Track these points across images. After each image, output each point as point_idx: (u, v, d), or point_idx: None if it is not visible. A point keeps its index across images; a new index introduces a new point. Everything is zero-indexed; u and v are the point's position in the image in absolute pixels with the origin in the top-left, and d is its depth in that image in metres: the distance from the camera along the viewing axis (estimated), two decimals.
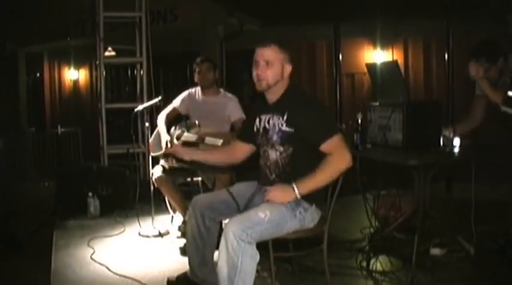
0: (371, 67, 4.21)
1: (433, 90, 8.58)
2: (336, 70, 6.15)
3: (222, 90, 4.50)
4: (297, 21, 8.20)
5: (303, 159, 2.73)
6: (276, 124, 2.76)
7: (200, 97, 4.45)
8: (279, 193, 2.62)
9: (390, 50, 8.93)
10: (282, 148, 2.76)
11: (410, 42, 8.87)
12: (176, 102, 4.51)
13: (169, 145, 4.03)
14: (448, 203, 4.97)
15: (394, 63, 4.19)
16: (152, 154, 4.38)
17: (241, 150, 3.05)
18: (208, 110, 4.33)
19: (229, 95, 4.46)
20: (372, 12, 6.69)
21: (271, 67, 2.75)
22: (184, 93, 4.53)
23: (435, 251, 3.56)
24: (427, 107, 3.61)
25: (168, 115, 4.45)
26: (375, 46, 8.91)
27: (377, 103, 3.76)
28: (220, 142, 3.77)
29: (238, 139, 3.08)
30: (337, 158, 2.61)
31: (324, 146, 2.63)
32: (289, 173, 2.76)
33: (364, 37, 8.84)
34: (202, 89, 4.43)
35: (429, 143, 3.43)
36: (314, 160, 2.68)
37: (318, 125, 2.68)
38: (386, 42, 8.72)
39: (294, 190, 2.59)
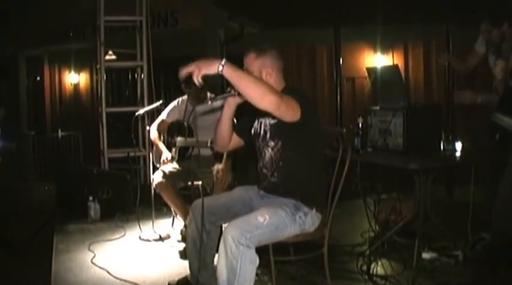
0: (372, 71, 4.22)
1: (434, 94, 8.57)
2: (336, 74, 6.14)
3: (207, 93, 4.33)
4: (297, 25, 8.19)
5: (293, 153, 2.74)
6: (268, 122, 2.80)
7: (193, 107, 4.40)
8: (204, 62, 2.36)
9: (390, 54, 8.92)
10: (272, 143, 2.78)
11: (411, 47, 8.86)
12: (164, 115, 4.54)
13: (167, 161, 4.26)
14: (449, 207, 4.96)
15: (394, 67, 4.19)
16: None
17: (234, 139, 3.00)
18: (205, 120, 4.30)
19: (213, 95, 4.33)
20: (372, 16, 6.70)
21: None
22: (173, 104, 4.52)
23: (426, 255, 3.56)
24: (427, 111, 3.61)
25: (157, 127, 4.52)
26: (375, 50, 8.91)
27: (377, 107, 3.76)
28: (210, 141, 3.89)
29: (233, 130, 3.01)
30: (272, 88, 2.47)
31: None
32: (282, 168, 2.77)
33: (364, 41, 8.84)
34: (198, 99, 4.28)
35: (429, 147, 3.43)
36: (305, 154, 2.72)
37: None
38: (386, 46, 8.72)
39: (219, 62, 2.33)
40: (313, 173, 2.79)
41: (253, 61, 2.76)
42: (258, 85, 2.41)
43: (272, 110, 2.46)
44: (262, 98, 2.40)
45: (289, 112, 2.53)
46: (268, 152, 2.81)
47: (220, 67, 2.33)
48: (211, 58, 2.36)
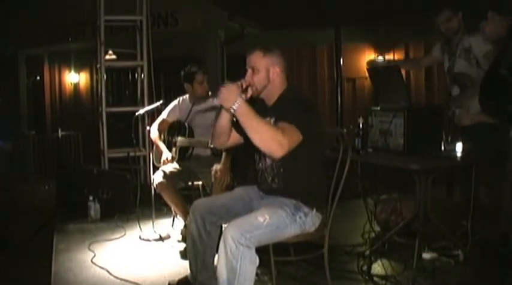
0: (372, 71, 4.21)
1: (434, 95, 8.58)
2: (337, 75, 6.13)
3: (209, 91, 4.29)
4: (298, 26, 8.21)
5: (295, 161, 2.70)
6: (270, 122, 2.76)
7: (194, 106, 4.36)
8: (225, 95, 2.51)
9: (391, 55, 8.94)
10: None
11: (412, 47, 8.87)
12: (165, 114, 4.54)
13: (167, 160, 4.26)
14: (449, 208, 4.96)
15: (395, 68, 4.18)
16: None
17: (233, 137, 2.99)
18: (205, 118, 4.30)
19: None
20: (373, 17, 6.70)
21: (257, 74, 2.75)
22: (174, 103, 4.52)
23: (426, 255, 3.56)
24: (428, 112, 3.61)
25: (158, 127, 4.52)
26: (376, 50, 8.92)
27: (378, 108, 3.76)
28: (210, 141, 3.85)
29: (233, 127, 2.98)
30: (278, 135, 2.47)
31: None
32: (283, 174, 2.76)
33: (365, 41, 8.85)
34: (199, 98, 4.31)
35: (430, 148, 3.42)
36: (306, 159, 2.70)
37: (288, 111, 2.62)
38: (387, 47, 8.73)
39: (236, 101, 2.46)
40: (313, 175, 2.78)
41: (260, 59, 2.75)
42: (264, 132, 2.46)
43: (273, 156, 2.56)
44: (264, 146, 2.48)
45: (292, 148, 2.52)
46: (269, 158, 2.80)
47: (235, 106, 2.45)
48: (233, 93, 2.49)
